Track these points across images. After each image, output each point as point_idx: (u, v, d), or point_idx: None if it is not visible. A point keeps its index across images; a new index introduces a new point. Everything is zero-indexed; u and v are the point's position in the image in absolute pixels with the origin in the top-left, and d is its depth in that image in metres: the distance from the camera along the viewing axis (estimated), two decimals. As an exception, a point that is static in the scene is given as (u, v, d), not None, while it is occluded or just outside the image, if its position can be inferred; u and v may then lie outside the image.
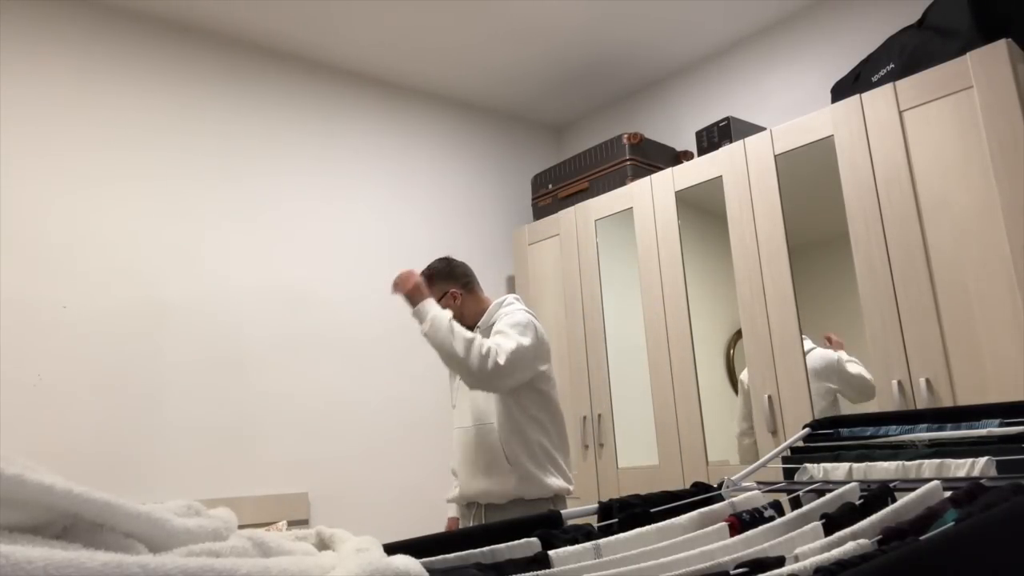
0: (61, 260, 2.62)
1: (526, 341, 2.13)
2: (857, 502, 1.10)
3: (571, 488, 2.23)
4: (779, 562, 0.83)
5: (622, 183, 3.27)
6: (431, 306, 2.13)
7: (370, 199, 3.46)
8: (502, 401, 2.18)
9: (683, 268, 2.96)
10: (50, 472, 0.58)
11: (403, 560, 0.69)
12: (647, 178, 3.16)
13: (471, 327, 2.27)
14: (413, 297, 2.15)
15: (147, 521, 0.61)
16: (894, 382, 2.33)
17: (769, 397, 2.62)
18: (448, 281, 2.35)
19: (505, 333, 2.15)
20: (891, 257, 2.40)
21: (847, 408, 2.55)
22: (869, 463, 1.50)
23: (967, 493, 1.03)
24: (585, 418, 3.21)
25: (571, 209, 3.45)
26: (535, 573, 0.88)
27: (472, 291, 2.37)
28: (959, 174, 2.28)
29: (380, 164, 3.54)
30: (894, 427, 1.61)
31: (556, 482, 2.17)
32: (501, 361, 2.05)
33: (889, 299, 2.38)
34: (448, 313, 2.12)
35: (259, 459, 2.90)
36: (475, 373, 2.05)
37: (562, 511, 1.25)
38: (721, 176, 2.88)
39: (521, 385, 2.17)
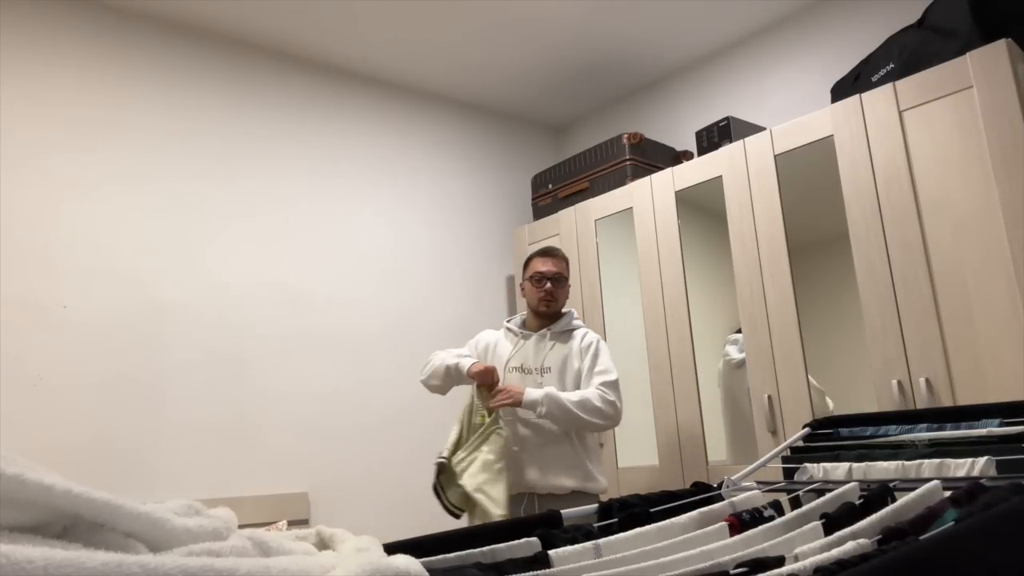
0: (61, 260, 2.62)
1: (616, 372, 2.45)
2: (857, 502, 1.10)
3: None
4: (779, 562, 0.83)
5: (622, 183, 3.27)
6: (531, 394, 2.31)
7: (370, 199, 3.46)
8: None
9: (683, 268, 2.96)
10: (50, 472, 0.58)
11: (403, 560, 0.69)
12: (647, 178, 3.15)
13: (559, 313, 2.53)
14: (517, 399, 2.32)
15: (147, 521, 0.61)
16: (894, 382, 2.33)
17: (769, 397, 2.62)
18: (570, 275, 2.60)
19: (607, 371, 2.41)
20: (891, 257, 2.40)
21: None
22: (869, 463, 1.50)
23: (967, 493, 1.03)
24: (585, 418, 3.21)
25: (571, 209, 3.45)
26: (535, 573, 0.88)
27: None
28: (959, 174, 2.28)
29: (380, 164, 3.54)
30: (894, 427, 1.61)
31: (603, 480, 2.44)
32: (618, 403, 2.37)
33: (889, 299, 2.38)
34: (549, 391, 2.32)
35: (259, 458, 2.90)
36: (608, 420, 2.35)
37: (562, 511, 1.25)
38: (721, 176, 2.88)
39: None
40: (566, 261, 2.57)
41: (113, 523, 0.59)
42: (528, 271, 2.56)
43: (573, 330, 2.53)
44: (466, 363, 2.39)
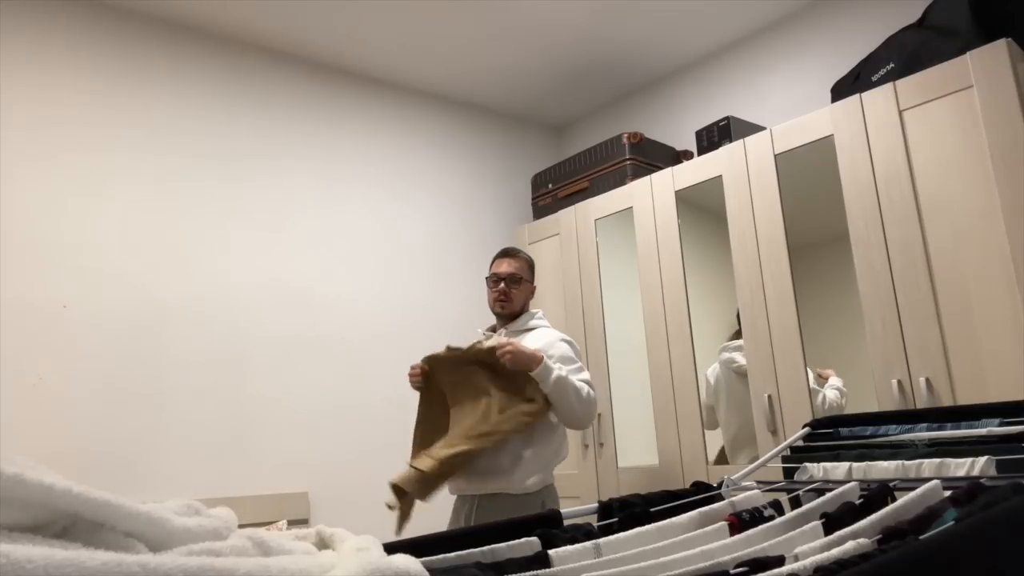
0: (61, 260, 2.62)
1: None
2: (857, 501, 1.10)
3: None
4: (779, 561, 0.83)
5: (622, 182, 3.27)
6: (548, 364, 2.22)
7: (370, 199, 3.46)
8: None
9: (683, 268, 2.96)
10: (50, 472, 0.58)
11: (403, 559, 0.69)
12: (647, 177, 3.15)
13: (516, 314, 2.49)
14: (531, 364, 2.20)
15: (147, 520, 0.61)
16: (894, 382, 2.33)
17: (769, 397, 2.62)
18: (533, 275, 2.56)
19: (581, 368, 2.38)
20: (891, 257, 2.39)
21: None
22: (869, 462, 1.50)
23: (967, 492, 1.03)
24: (585, 418, 3.21)
25: (571, 209, 3.45)
26: (535, 572, 0.88)
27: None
28: (959, 174, 2.28)
29: (380, 164, 3.53)
30: (894, 427, 1.61)
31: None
32: (594, 399, 2.31)
33: (889, 299, 2.38)
34: (558, 367, 2.23)
35: (259, 459, 2.90)
36: (584, 419, 2.31)
37: (562, 511, 1.25)
38: (721, 176, 2.88)
39: None
40: (527, 262, 2.54)
41: (113, 523, 0.59)
42: (489, 273, 2.55)
43: (531, 329, 2.45)
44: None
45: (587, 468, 3.17)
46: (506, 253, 2.53)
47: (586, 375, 2.36)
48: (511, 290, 2.45)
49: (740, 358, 2.83)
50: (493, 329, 2.55)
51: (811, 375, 2.55)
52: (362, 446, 3.17)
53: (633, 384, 3.07)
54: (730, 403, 2.87)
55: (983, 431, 1.45)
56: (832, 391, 2.60)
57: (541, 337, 2.40)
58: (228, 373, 2.89)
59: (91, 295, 2.66)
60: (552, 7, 3.11)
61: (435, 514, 2.82)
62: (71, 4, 2.80)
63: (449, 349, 2.32)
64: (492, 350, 2.21)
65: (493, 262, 2.56)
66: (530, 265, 2.55)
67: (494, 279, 2.49)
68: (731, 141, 2.90)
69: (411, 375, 2.36)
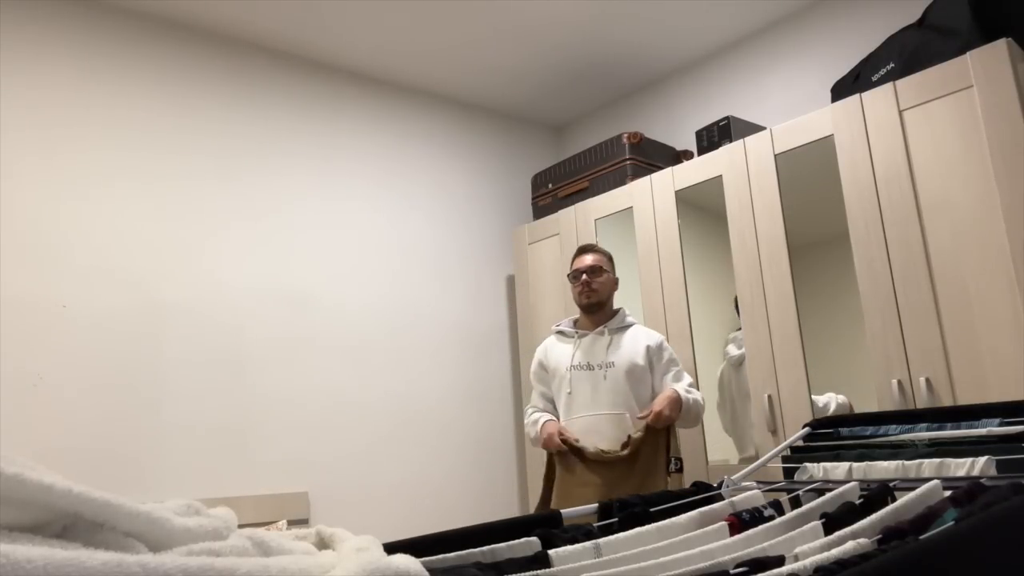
0: (61, 260, 2.62)
1: None
2: (857, 501, 1.10)
3: None
4: (779, 561, 0.83)
5: (622, 182, 3.27)
6: (684, 399, 2.40)
7: (370, 199, 3.46)
8: (638, 396, 2.47)
9: (683, 268, 2.96)
10: (50, 472, 0.58)
11: (403, 559, 0.69)
12: (647, 177, 3.15)
13: (603, 304, 2.57)
14: (679, 406, 2.38)
15: (147, 520, 0.61)
16: (894, 382, 2.33)
17: (769, 397, 2.62)
18: (613, 267, 2.63)
19: (683, 372, 2.53)
20: (891, 257, 2.40)
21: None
22: (869, 462, 1.50)
23: (967, 492, 1.04)
24: (585, 418, 3.20)
25: (571, 208, 3.45)
26: (535, 572, 0.88)
27: None
28: (959, 174, 2.28)
29: (380, 164, 3.53)
30: (894, 427, 1.61)
31: None
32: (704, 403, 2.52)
33: (889, 299, 2.38)
34: (677, 391, 2.40)
35: (259, 459, 2.90)
36: (696, 424, 2.54)
37: (562, 511, 1.25)
38: (721, 175, 2.88)
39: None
40: (605, 255, 2.61)
41: (113, 523, 0.59)
42: (569, 271, 2.65)
43: (629, 326, 2.57)
44: (533, 432, 2.55)
45: (587, 468, 3.17)
46: (584, 249, 2.62)
47: (690, 378, 2.53)
48: (593, 280, 2.54)
49: (734, 349, 2.85)
50: (575, 323, 2.65)
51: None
52: (362, 445, 3.17)
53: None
54: (738, 396, 2.85)
55: (983, 431, 1.45)
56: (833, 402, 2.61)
57: (645, 335, 2.54)
58: (228, 373, 2.89)
59: (91, 295, 2.66)
60: (552, 7, 3.11)
61: (435, 514, 2.82)
62: (71, 4, 2.80)
63: (602, 451, 2.36)
64: (647, 428, 2.31)
65: (572, 261, 2.64)
66: (609, 257, 2.62)
67: (575, 275, 2.57)
68: (731, 141, 2.90)
69: (552, 441, 2.42)
